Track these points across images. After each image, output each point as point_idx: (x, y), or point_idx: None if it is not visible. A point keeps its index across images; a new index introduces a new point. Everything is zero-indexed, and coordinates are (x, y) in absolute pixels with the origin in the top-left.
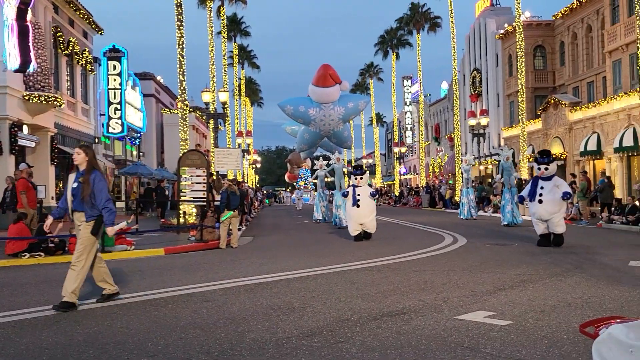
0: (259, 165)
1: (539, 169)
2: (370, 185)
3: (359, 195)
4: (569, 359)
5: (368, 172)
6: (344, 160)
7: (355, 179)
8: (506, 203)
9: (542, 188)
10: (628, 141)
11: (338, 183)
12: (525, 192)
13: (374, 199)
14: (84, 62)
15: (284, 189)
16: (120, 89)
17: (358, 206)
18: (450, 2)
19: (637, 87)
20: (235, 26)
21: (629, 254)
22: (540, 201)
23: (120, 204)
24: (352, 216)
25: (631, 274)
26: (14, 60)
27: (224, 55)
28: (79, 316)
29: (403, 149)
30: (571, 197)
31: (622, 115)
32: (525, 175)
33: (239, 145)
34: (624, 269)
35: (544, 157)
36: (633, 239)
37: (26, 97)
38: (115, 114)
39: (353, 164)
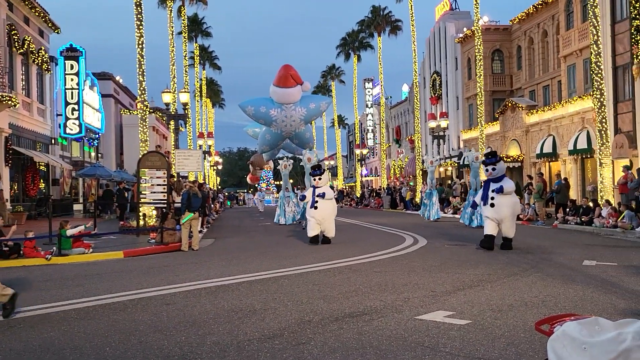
0: (220, 167)
1: (487, 170)
2: (331, 187)
3: (318, 196)
4: (526, 357)
5: (328, 172)
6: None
7: (314, 179)
8: (467, 205)
9: (493, 191)
10: (582, 144)
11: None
12: (478, 198)
13: (333, 200)
14: (40, 61)
15: (245, 190)
16: (78, 89)
17: (316, 208)
18: (411, 5)
19: (591, 91)
20: (196, 26)
21: (583, 253)
22: (492, 205)
23: (78, 207)
24: (310, 218)
25: (585, 273)
26: None
27: (185, 56)
28: (35, 321)
29: (364, 151)
30: (501, 191)
31: (577, 118)
32: (483, 176)
33: (200, 146)
34: (578, 268)
35: (490, 157)
36: (586, 239)
37: None
38: (72, 114)
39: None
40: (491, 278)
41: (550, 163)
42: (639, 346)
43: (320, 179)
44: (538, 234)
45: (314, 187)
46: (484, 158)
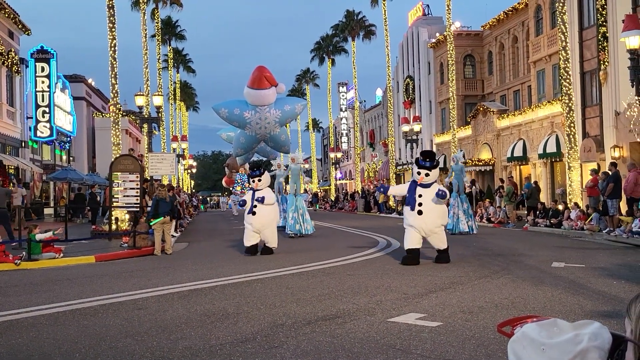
0: (194, 171)
1: (419, 173)
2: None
3: (256, 200)
4: (495, 358)
5: (267, 173)
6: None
7: (253, 181)
8: (450, 209)
9: (420, 196)
10: (551, 147)
11: (293, 185)
12: (397, 189)
13: (274, 205)
14: (10, 63)
15: (220, 194)
16: (49, 91)
17: (254, 213)
18: (385, 11)
19: (560, 96)
20: (170, 29)
21: (552, 255)
22: (420, 212)
23: (49, 210)
24: (247, 225)
25: (553, 275)
26: None
27: (159, 59)
28: (3, 327)
29: (339, 155)
30: (446, 196)
31: (546, 122)
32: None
33: (174, 150)
34: (547, 269)
35: (426, 160)
36: (556, 241)
37: None
38: (43, 117)
39: (250, 164)
40: (462, 280)
41: (521, 167)
42: (594, 347)
43: (259, 180)
44: (509, 237)
45: (254, 191)
46: (418, 158)
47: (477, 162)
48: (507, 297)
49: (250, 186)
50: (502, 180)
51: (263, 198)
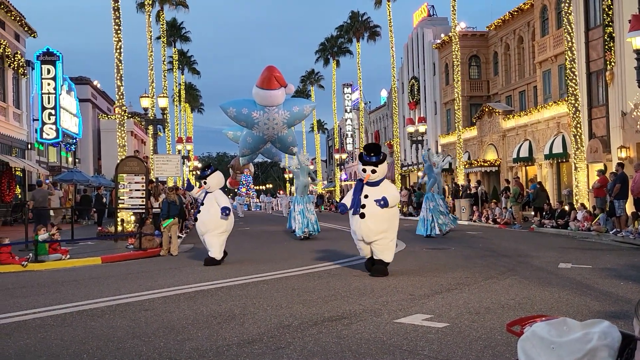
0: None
1: (364, 170)
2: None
3: (202, 203)
4: (502, 358)
5: (218, 173)
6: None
7: (204, 182)
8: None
9: (366, 197)
10: (558, 148)
11: (300, 187)
12: (347, 199)
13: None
14: (16, 65)
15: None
16: (55, 93)
17: (196, 219)
18: (389, 12)
19: (566, 97)
20: (175, 31)
21: (559, 256)
22: (362, 215)
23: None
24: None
25: (560, 276)
26: None
27: (164, 61)
28: (10, 328)
29: (344, 156)
30: (387, 204)
31: (552, 123)
32: (462, 180)
33: (179, 151)
34: (554, 270)
35: (371, 154)
36: (562, 242)
37: None
38: (49, 119)
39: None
40: (469, 281)
41: (527, 167)
42: (604, 345)
43: (205, 182)
44: (515, 238)
45: (206, 192)
46: (361, 153)
47: (482, 163)
48: (514, 298)
49: (203, 187)
50: (507, 181)
51: (203, 202)
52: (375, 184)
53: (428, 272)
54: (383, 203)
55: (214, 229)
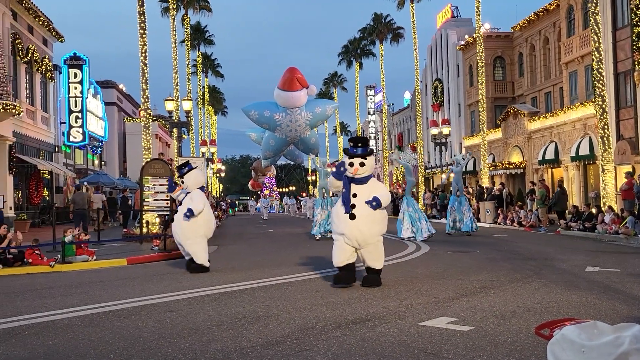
0: (223, 174)
1: (351, 164)
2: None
3: (179, 205)
4: None
5: (196, 171)
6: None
7: (182, 181)
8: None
9: (354, 196)
10: (584, 150)
11: (321, 189)
12: (338, 203)
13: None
14: (44, 69)
15: (248, 197)
16: (82, 97)
17: (172, 220)
18: (413, 13)
19: (593, 98)
20: (199, 35)
21: (586, 259)
22: (352, 216)
23: None
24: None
25: (588, 279)
26: None
27: (188, 64)
28: (39, 328)
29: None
30: (379, 205)
31: (579, 125)
32: (486, 182)
33: (203, 154)
34: (581, 274)
35: (358, 146)
36: (589, 245)
37: None
38: (76, 122)
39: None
40: (494, 284)
41: (553, 169)
42: (636, 349)
43: (182, 181)
44: (541, 241)
45: (187, 193)
46: (346, 148)
47: (507, 165)
48: (540, 302)
49: (181, 187)
50: (533, 184)
51: (181, 202)
52: (363, 181)
53: (452, 275)
54: (375, 204)
55: (192, 235)
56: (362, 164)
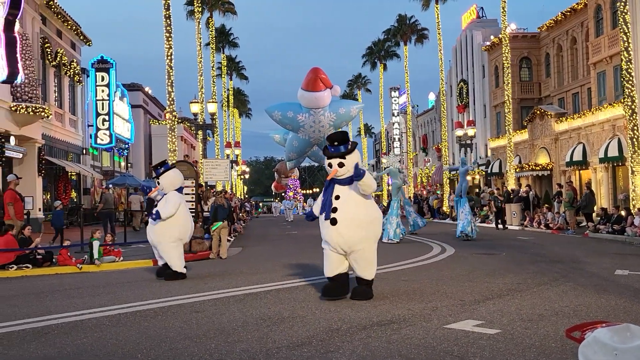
0: (247, 176)
1: (330, 165)
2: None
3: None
4: None
5: (173, 172)
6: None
7: (158, 182)
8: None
9: (337, 198)
10: (613, 151)
11: (395, 190)
12: (317, 206)
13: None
14: (72, 73)
15: (272, 199)
16: (109, 100)
17: (146, 223)
18: (437, 14)
19: (622, 99)
20: (223, 37)
21: (615, 262)
22: (333, 221)
23: None
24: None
25: (617, 283)
26: (1, 71)
27: (213, 67)
28: (68, 328)
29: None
30: (363, 176)
31: (607, 126)
32: (512, 184)
33: (228, 156)
34: (610, 277)
35: (335, 144)
36: (618, 248)
37: (13, 108)
38: (103, 125)
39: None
40: (521, 287)
41: (581, 171)
42: None
43: (158, 183)
44: (569, 243)
45: (163, 194)
46: (326, 145)
47: (534, 167)
48: (569, 305)
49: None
50: (560, 186)
51: (156, 205)
52: (347, 181)
53: (478, 277)
54: (355, 175)
55: (167, 239)
56: (340, 165)
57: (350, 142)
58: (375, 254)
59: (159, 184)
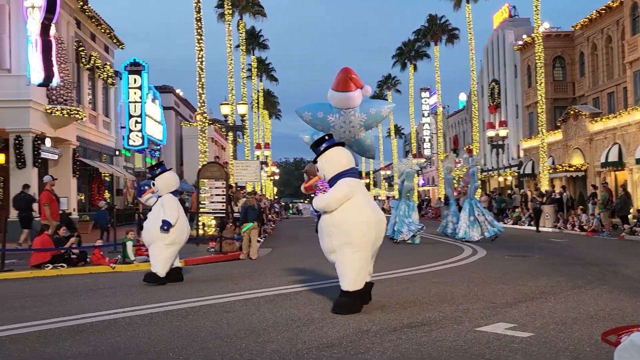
0: (277, 177)
1: (315, 161)
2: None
3: (149, 211)
4: None
5: (169, 174)
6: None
7: (153, 183)
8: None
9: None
10: None
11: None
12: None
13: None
14: (105, 75)
15: (302, 200)
16: (141, 102)
17: (142, 228)
18: (469, 13)
19: None
20: (253, 39)
21: None
22: (316, 229)
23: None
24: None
25: None
26: (37, 74)
27: (243, 68)
28: (102, 326)
29: (421, 161)
30: (316, 208)
31: None
32: (545, 185)
33: (258, 157)
34: None
35: (320, 144)
36: None
37: (49, 111)
38: (135, 126)
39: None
40: (554, 290)
41: (616, 172)
42: None
43: (153, 184)
44: (603, 246)
45: (158, 197)
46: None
47: (567, 168)
48: (603, 309)
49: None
50: (594, 187)
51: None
52: (331, 184)
53: (510, 280)
54: (312, 209)
55: (159, 240)
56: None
57: (331, 140)
58: (349, 263)
59: (154, 185)
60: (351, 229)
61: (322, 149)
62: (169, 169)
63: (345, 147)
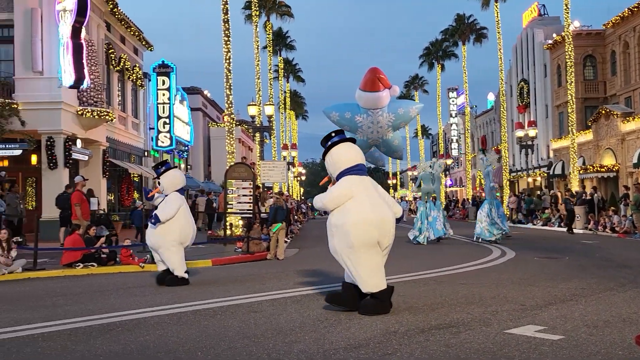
0: (303, 178)
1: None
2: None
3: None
4: None
5: (173, 172)
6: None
7: (158, 182)
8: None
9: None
10: None
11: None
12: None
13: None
14: (134, 77)
15: None
16: (169, 103)
17: (146, 226)
18: (497, 13)
19: None
20: (280, 40)
21: None
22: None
23: None
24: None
25: None
26: (68, 76)
27: (270, 69)
28: (132, 325)
29: (449, 161)
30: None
31: None
32: (576, 186)
33: (284, 158)
34: None
35: (329, 138)
36: None
37: (80, 112)
38: (164, 127)
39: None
40: (585, 292)
41: None
42: None
43: (159, 183)
44: (636, 247)
45: (165, 196)
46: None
47: (598, 169)
48: (636, 312)
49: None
50: (626, 188)
51: (156, 208)
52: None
53: (540, 281)
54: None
55: (165, 243)
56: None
57: (327, 142)
58: (356, 265)
59: (159, 184)
60: (350, 229)
61: (328, 145)
62: (174, 167)
63: (353, 142)
